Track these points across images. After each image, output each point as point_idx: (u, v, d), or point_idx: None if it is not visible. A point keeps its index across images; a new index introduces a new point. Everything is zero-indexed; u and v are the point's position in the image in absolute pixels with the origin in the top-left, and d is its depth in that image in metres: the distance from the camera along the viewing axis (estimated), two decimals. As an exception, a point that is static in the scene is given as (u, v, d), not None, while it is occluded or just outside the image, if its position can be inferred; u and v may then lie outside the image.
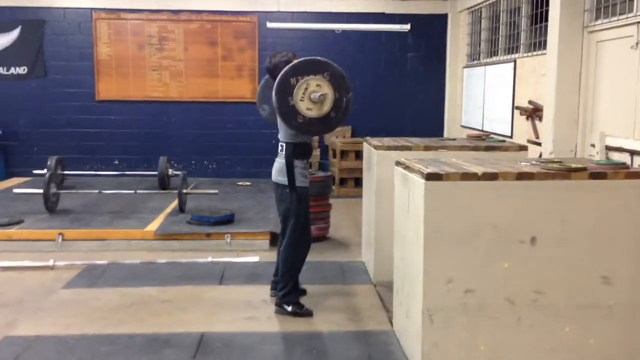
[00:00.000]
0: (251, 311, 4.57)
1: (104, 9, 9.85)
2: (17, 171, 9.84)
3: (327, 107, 4.20)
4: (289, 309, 4.49)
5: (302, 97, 4.16)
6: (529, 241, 3.53)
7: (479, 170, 3.55)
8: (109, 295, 4.85)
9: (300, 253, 4.55)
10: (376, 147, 5.23)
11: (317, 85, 4.17)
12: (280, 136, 4.52)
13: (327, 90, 4.19)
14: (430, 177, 3.46)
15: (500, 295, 3.55)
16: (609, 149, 5.46)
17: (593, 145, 5.73)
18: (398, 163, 4.07)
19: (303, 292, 4.81)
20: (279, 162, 4.52)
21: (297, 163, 4.43)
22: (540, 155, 6.35)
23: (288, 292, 4.52)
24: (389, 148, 5.16)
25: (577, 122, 6.01)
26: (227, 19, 9.97)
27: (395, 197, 4.17)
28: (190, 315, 4.47)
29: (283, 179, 4.46)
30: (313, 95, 4.15)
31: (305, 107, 4.18)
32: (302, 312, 4.49)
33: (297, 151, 4.44)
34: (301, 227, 4.50)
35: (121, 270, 5.48)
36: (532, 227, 3.52)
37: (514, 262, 3.53)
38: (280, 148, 4.54)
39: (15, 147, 9.98)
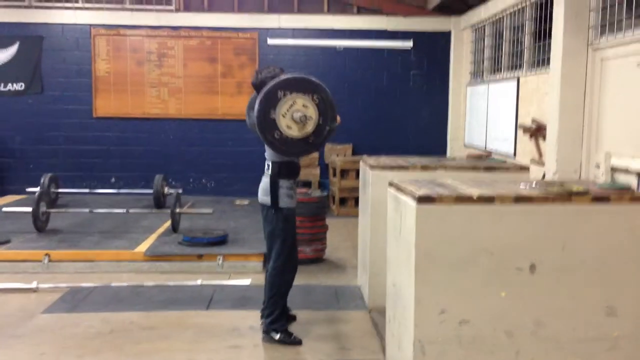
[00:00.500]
0: (237, 339, 4.35)
1: (103, 25, 9.76)
2: (13, 188, 9.69)
3: (308, 129, 4.01)
4: (277, 337, 4.27)
5: (285, 114, 3.97)
6: (528, 269, 3.30)
7: (474, 193, 3.34)
8: (90, 321, 4.63)
9: (286, 278, 4.34)
10: (371, 167, 5.03)
11: (304, 106, 3.98)
12: (267, 154, 4.35)
13: (312, 113, 4.00)
14: (422, 199, 3.25)
15: (497, 327, 3.32)
16: (614, 169, 5.23)
17: (598, 166, 5.49)
18: (391, 184, 3.86)
19: (292, 319, 4.59)
20: (264, 182, 4.34)
21: (283, 183, 4.25)
22: (544, 176, 6.13)
23: (275, 319, 4.30)
24: (384, 168, 4.96)
25: (581, 141, 5.78)
26: (227, 35, 9.85)
27: (387, 220, 3.95)
28: (172, 343, 4.25)
29: (267, 199, 4.28)
30: (296, 114, 3.96)
31: (286, 124, 3.98)
32: (290, 341, 4.27)
33: (283, 170, 4.26)
34: (287, 251, 4.29)
35: (106, 294, 5.27)
36: (531, 253, 3.30)
37: (512, 291, 3.30)
38: (266, 167, 4.35)
39: (10, 164, 9.84)
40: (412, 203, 3.31)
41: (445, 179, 4.04)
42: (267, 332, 4.31)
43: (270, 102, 3.95)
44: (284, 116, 3.95)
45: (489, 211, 3.27)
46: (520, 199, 3.28)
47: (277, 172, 4.22)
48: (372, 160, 5.29)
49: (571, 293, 3.32)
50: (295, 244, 4.40)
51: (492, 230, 3.28)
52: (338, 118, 4.15)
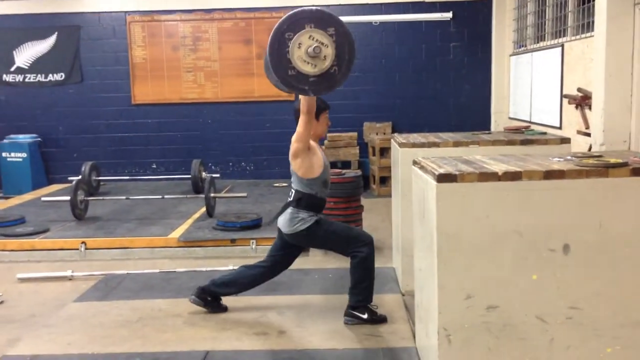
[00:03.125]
0: (263, 326, 4.25)
1: (138, 11, 9.76)
2: (58, 177, 9.86)
3: (326, 64, 3.58)
4: (364, 316, 4.20)
5: (300, 49, 3.54)
6: (561, 250, 3.05)
7: (499, 169, 3.10)
8: (119, 309, 4.61)
9: (368, 264, 4.21)
10: (401, 145, 4.81)
11: (318, 40, 3.55)
12: (293, 183, 4.26)
13: (329, 45, 3.57)
14: (442, 178, 3.04)
15: (529, 313, 3.09)
16: (666, 138, 4.86)
17: (648, 135, 5.12)
18: (415, 162, 3.66)
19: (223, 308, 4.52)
20: (287, 212, 4.24)
21: (303, 214, 4.16)
22: (590, 148, 5.77)
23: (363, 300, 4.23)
24: (414, 145, 4.73)
25: (630, 110, 5.39)
26: (261, 16, 9.70)
27: (413, 200, 3.75)
28: (197, 331, 4.18)
29: (291, 228, 4.19)
30: (310, 49, 3.53)
31: (301, 61, 3.57)
32: (377, 318, 4.22)
33: (308, 202, 4.16)
34: (348, 232, 4.23)
35: (138, 281, 5.25)
36: (565, 233, 3.04)
37: (544, 274, 3.07)
38: (290, 193, 4.28)
39: (55, 154, 10.02)
40: (432, 182, 3.10)
41: (475, 155, 3.80)
42: (350, 314, 4.23)
43: (282, 40, 3.56)
44: (298, 52, 3.54)
45: (516, 189, 3.03)
46: (550, 174, 3.03)
47: (301, 202, 4.15)
48: (401, 137, 5.07)
49: (609, 275, 3.05)
50: (348, 229, 4.35)
51: (521, 209, 3.04)
52: None
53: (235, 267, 5.45)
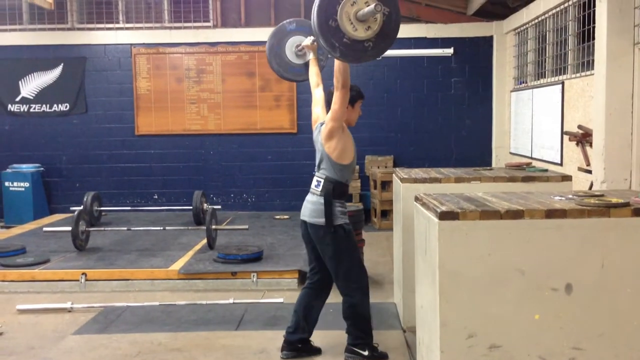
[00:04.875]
0: (263, 362, 4.22)
1: (143, 44, 9.89)
2: (60, 207, 9.88)
3: (376, 26, 3.43)
4: (365, 353, 4.13)
5: (352, 6, 3.40)
6: (564, 289, 3.04)
7: (501, 207, 3.11)
8: (118, 342, 4.59)
9: (366, 301, 4.18)
10: (402, 180, 4.83)
11: (365, 3, 3.42)
12: (320, 172, 4.13)
13: (377, 20, 3.42)
14: (444, 215, 3.05)
15: (531, 353, 3.06)
16: (666, 177, 4.88)
17: (649, 173, 5.15)
18: (417, 199, 3.67)
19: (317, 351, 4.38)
20: (314, 201, 4.09)
21: (336, 203, 4.06)
22: (591, 185, 5.80)
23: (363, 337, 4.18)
24: (416, 181, 4.75)
25: (630, 148, 5.44)
26: (265, 49, 9.76)
27: (415, 237, 3.76)
28: (197, 365, 4.15)
29: (321, 220, 4.04)
30: (361, 12, 3.39)
31: (351, 27, 3.42)
32: (378, 355, 4.17)
33: (337, 190, 4.06)
34: (357, 269, 4.14)
35: (138, 314, 5.23)
36: (567, 272, 3.04)
37: (547, 314, 3.05)
38: (315, 183, 4.12)
39: (57, 184, 10.06)
40: (434, 219, 3.11)
41: (477, 192, 3.82)
42: (351, 351, 4.17)
43: (328, 8, 3.42)
44: (349, 8, 3.40)
45: (518, 227, 3.04)
46: (552, 214, 3.03)
47: (331, 191, 4.02)
48: (403, 172, 5.10)
49: (612, 315, 3.04)
50: (360, 258, 4.27)
51: (523, 247, 3.04)
52: None
53: (236, 301, 5.46)
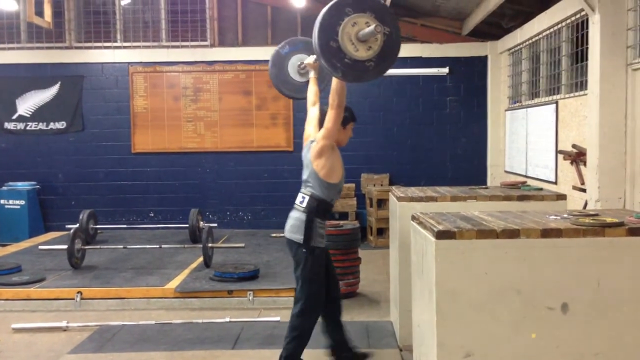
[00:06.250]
0: (260, 381, 4.20)
1: (141, 62, 9.95)
2: (56, 225, 9.86)
3: (377, 46, 3.44)
4: None
5: (349, 35, 3.42)
6: (560, 308, 3.06)
7: (497, 226, 3.14)
8: (114, 361, 4.57)
9: (313, 321, 4.18)
10: (399, 198, 4.86)
11: (366, 23, 3.44)
12: (306, 188, 4.19)
13: (378, 40, 3.44)
14: (441, 235, 3.07)
15: (528, 372, 3.08)
16: (660, 196, 4.93)
17: (643, 192, 5.19)
18: (413, 218, 3.69)
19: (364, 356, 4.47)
20: (296, 217, 4.16)
21: (318, 222, 4.09)
22: (586, 204, 5.83)
23: None
24: (412, 199, 4.78)
25: (624, 167, 5.49)
26: (261, 68, 9.87)
27: (411, 256, 3.77)
28: (193, 385, 4.14)
29: (299, 237, 4.09)
30: (361, 32, 3.41)
31: (353, 48, 3.43)
32: None
33: (321, 208, 4.11)
34: (313, 292, 4.12)
35: (133, 333, 5.21)
36: (563, 292, 3.06)
37: (543, 333, 3.07)
38: (299, 199, 4.18)
39: (53, 201, 10.04)
40: (431, 238, 3.13)
41: (473, 211, 3.85)
42: None
43: (340, 10, 3.44)
44: (350, 29, 3.42)
45: (514, 246, 3.06)
46: (548, 233, 3.07)
47: (314, 208, 4.07)
48: (399, 191, 5.13)
49: (608, 334, 3.06)
50: (323, 284, 4.22)
51: (519, 266, 3.06)
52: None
53: (233, 320, 5.45)
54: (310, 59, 4.60)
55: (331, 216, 4.28)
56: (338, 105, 3.92)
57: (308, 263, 4.08)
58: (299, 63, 4.83)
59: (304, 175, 4.24)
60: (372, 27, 3.35)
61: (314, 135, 4.29)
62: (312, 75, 4.62)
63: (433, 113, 9.90)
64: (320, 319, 4.33)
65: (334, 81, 3.87)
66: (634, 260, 3.05)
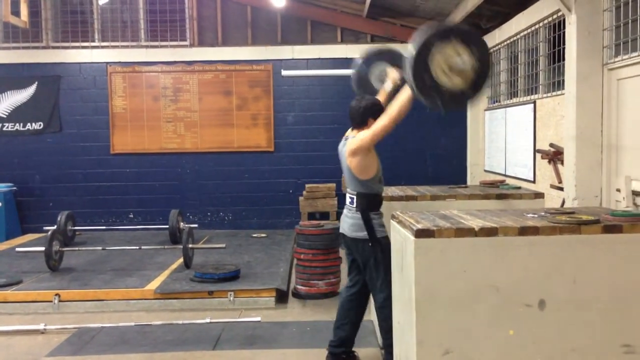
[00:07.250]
0: (240, 381, 4.19)
1: (119, 62, 9.86)
2: (33, 227, 9.73)
3: (471, 73, 3.45)
4: None
5: (442, 66, 3.41)
6: (537, 305, 3.10)
7: (476, 224, 3.17)
8: (93, 363, 4.53)
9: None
10: (379, 198, 4.86)
11: (457, 53, 3.44)
12: (350, 187, 4.21)
13: (467, 56, 3.44)
14: (420, 233, 3.09)
15: (506, 368, 3.11)
16: (636, 194, 5.00)
17: (619, 190, 5.26)
18: (393, 217, 3.72)
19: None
20: (352, 217, 4.18)
21: (373, 215, 4.12)
22: (563, 202, 5.90)
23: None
24: (392, 199, 4.80)
25: (600, 165, 5.56)
26: (242, 68, 9.86)
27: (392, 254, 3.79)
28: (173, 386, 4.11)
29: (362, 234, 4.12)
30: (454, 61, 3.41)
31: (447, 78, 3.43)
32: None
33: (370, 202, 4.13)
34: (390, 279, 4.10)
35: (112, 335, 5.16)
36: (540, 288, 3.10)
37: (521, 330, 3.10)
38: (349, 200, 4.21)
39: (30, 203, 9.91)
40: (410, 237, 3.15)
41: (452, 210, 3.88)
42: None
43: (422, 63, 3.40)
44: (442, 70, 3.41)
45: (492, 244, 3.09)
46: (525, 231, 3.10)
47: (365, 205, 4.10)
48: (380, 191, 5.13)
49: (585, 331, 3.10)
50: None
51: (497, 264, 3.09)
52: None
53: (213, 320, 5.43)
54: (395, 74, 4.51)
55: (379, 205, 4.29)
56: (395, 118, 3.88)
57: (380, 254, 4.09)
58: (379, 72, 4.77)
59: (344, 173, 4.28)
60: (457, 60, 3.39)
61: (350, 133, 4.30)
62: (388, 86, 4.54)
63: (413, 113, 9.77)
64: (339, 314, 4.42)
65: (405, 94, 3.81)
66: (610, 257, 3.09)
